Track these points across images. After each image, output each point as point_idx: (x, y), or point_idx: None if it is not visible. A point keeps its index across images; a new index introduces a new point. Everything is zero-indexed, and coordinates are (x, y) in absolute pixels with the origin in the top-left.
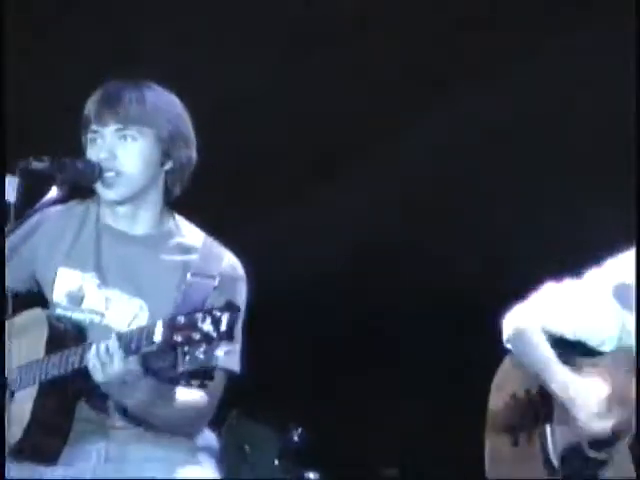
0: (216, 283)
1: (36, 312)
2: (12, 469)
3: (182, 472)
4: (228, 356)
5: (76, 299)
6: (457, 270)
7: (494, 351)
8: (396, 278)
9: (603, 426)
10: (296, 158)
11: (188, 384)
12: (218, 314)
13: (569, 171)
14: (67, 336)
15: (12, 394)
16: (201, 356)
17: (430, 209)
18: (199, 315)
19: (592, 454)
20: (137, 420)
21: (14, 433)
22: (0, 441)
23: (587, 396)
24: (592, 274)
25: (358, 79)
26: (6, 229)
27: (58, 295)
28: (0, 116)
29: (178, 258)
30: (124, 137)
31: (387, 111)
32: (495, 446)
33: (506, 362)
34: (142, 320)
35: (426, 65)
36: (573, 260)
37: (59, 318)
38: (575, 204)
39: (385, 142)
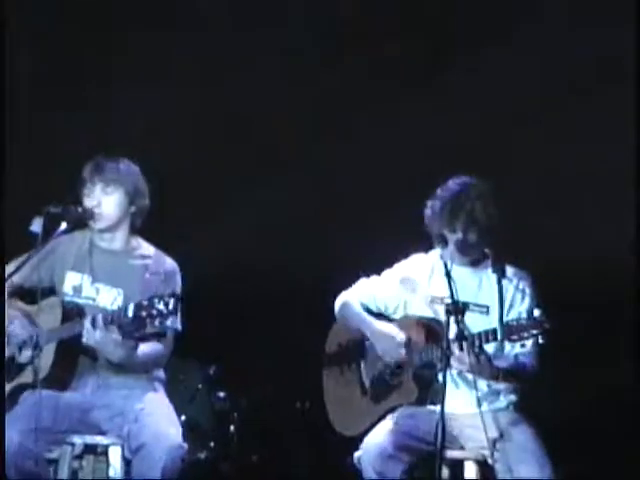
0: (163, 278)
1: (53, 299)
2: (41, 394)
3: (141, 395)
4: (175, 321)
5: (78, 290)
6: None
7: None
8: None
9: (395, 357)
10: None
11: (149, 340)
12: (167, 299)
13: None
14: (73, 312)
15: (41, 349)
16: (157, 324)
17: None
18: (156, 299)
19: (389, 379)
20: (116, 363)
21: (44, 371)
22: (0, 441)
23: (385, 338)
24: (388, 271)
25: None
26: (35, 249)
27: (67, 288)
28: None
29: (140, 262)
30: (106, 192)
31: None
32: (329, 375)
33: (334, 326)
34: (119, 301)
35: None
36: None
37: (68, 303)
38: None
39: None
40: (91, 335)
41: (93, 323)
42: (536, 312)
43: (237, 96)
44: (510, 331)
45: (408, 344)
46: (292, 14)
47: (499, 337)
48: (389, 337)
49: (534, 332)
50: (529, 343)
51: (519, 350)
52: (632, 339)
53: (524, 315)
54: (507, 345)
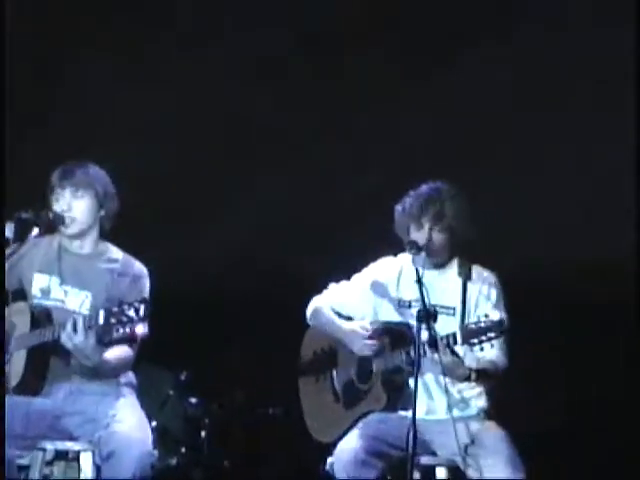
0: (130, 281)
1: (21, 304)
2: (12, 400)
3: (113, 401)
4: (144, 326)
5: (46, 292)
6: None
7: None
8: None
9: (367, 350)
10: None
11: (118, 345)
12: (137, 305)
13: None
14: (41, 317)
15: (11, 354)
16: (127, 330)
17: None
18: (125, 306)
19: (358, 385)
20: (87, 367)
21: (15, 378)
22: (0, 441)
23: (355, 335)
24: (357, 276)
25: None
26: (7, 254)
27: (35, 290)
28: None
29: (108, 266)
30: (76, 196)
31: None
32: (305, 383)
33: (308, 332)
34: (87, 304)
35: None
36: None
37: (35, 306)
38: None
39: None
40: (67, 341)
41: (74, 327)
42: (494, 314)
43: (237, 96)
44: (469, 334)
45: (375, 336)
46: (291, 13)
47: (459, 341)
48: (358, 334)
49: (491, 335)
50: (488, 346)
51: (483, 354)
52: (620, 343)
53: (483, 317)
54: (475, 348)
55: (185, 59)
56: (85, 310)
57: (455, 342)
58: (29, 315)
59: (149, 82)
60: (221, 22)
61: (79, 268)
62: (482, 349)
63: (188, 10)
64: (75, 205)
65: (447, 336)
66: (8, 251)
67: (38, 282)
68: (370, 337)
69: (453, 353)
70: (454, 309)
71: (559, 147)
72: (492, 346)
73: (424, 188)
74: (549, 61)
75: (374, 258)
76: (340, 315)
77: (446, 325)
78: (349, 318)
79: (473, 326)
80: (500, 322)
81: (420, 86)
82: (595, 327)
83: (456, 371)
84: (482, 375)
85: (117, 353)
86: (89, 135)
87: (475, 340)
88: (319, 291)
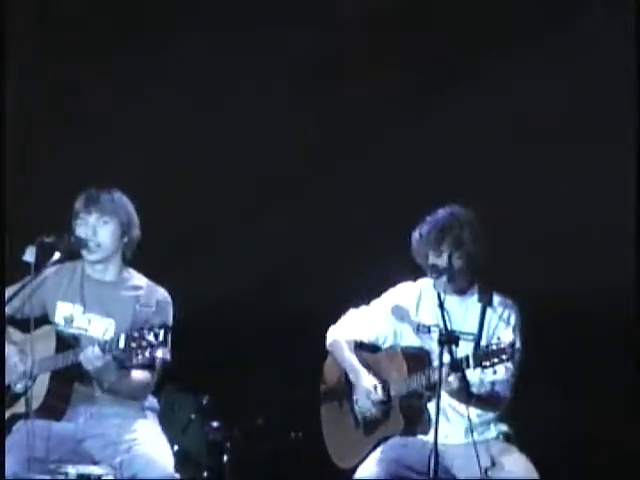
0: (155, 309)
1: (47, 327)
2: (34, 423)
3: (134, 425)
4: (165, 351)
5: (69, 320)
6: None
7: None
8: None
9: (373, 412)
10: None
11: (139, 369)
12: (157, 330)
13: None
14: (67, 341)
15: (35, 378)
16: (147, 355)
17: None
18: (145, 331)
19: (377, 410)
20: (109, 391)
21: (37, 401)
22: (0, 440)
23: (364, 385)
24: (377, 301)
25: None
26: (27, 279)
27: (58, 318)
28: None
29: (131, 294)
30: (101, 222)
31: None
32: (327, 409)
33: (328, 359)
34: (111, 332)
35: None
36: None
37: (61, 331)
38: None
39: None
40: (89, 365)
41: (95, 350)
42: (506, 338)
43: (240, 128)
44: (481, 357)
45: (385, 402)
46: (292, 41)
47: (471, 364)
48: (370, 395)
49: (503, 357)
50: (501, 369)
51: (492, 377)
52: (630, 370)
53: (496, 340)
54: (487, 371)
55: (188, 88)
56: (108, 338)
57: (468, 365)
58: (55, 339)
59: (150, 111)
60: (225, 48)
61: (102, 296)
62: (495, 372)
63: (190, 35)
64: (100, 231)
65: (460, 359)
66: (30, 275)
67: (61, 310)
68: (381, 402)
69: (463, 377)
70: (473, 335)
71: (558, 182)
72: (495, 372)
73: (441, 214)
74: (551, 90)
75: (390, 285)
76: (362, 345)
77: (464, 351)
78: (370, 346)
79: (485, 349)
80: (511, 344)
81: (428, 113)
82: (616, 355)
83: (459, 394)
84: (482, 402)
85: (136, 377)
86: (87, 167)
87: (487, 363)
88: (339, 316)
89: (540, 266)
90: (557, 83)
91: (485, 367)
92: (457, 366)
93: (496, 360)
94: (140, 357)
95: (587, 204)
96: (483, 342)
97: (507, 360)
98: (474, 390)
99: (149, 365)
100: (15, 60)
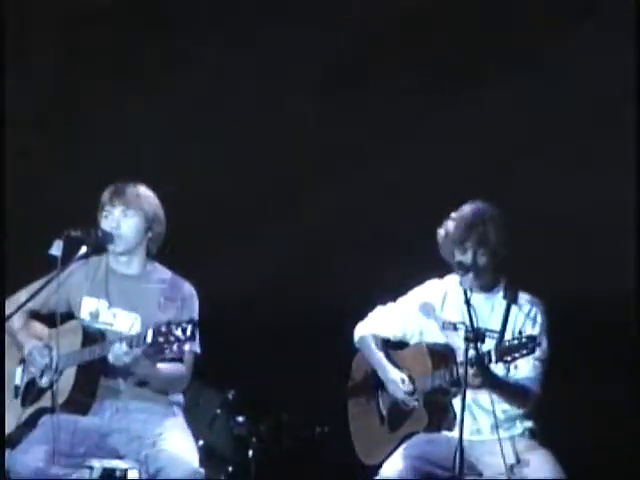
0: (180, 303)
1: (74, 322)
2: (60, 418)
3: (160, 419)
4: (193, 345)
5: (94, 316)
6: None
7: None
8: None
9: (401, 395)
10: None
11: (169, 363)
12: (185, 325)
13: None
14: (94, 336)
15: (61, 372)
16: (175, 349)
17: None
18: (173, 326)
19: (402, 406)
20: (140, 384)
21: (62, 396)
22: (0, 440)
23: (397, 388)
24: (404, 298)
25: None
26: (53, 273)
27: (84, 314)
28: None
29: (156, 287)
30: (125, 215)
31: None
32: (353, 405)
33: (357, 356)
34: (137, 326)
35: None
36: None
37: (87, 327)
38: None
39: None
40: (116, 360)
41: (123, 346)
42: (528, 332)
43: (255, 129)
44: (503, 352)
45: (413, 392)
46: (292, 42)
47: (493, 358)
48: (399, 387)
49: (524, 352)
50: (524, 365)
51: (514, 372)
52: None
53: (518, 335)
54: (510, 366)
55: (201, 96)
56: (135, 332)
57: (490, 360)
58: (81, 334)
59: (164, 113)
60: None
61: (127, 290)
62: (516, 367)
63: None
64: (124, 224)
65: (482, 354)
66: (56, 269)
67: (87, 306)
68: (410, 392)
69: (488, 373)
70: (498, 332)
71: (568, 183)
72: (516, 367)
73: (466, 210)
74: (556, 95)
75: (417, 282)
76: (388, 341)
77: (488, 347)
78: (396, 343)
79: (507, 343)
80: (533, 338)
81: (442, 113)
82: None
83: (484, 388)
84: (509, 397)
85: (168, 369)
86: (102, 165)
87: (508, 357)
88: (367, 312)
89: (540, 266)
90: (557, 83)
91: (507, 362)
92: (480, 361)
93: (517, 355)
94: (168, 351)
95: (587, 204)
96: (506, 338)
97: (527, 354)
98: (500, 385)
99: (179, 359)
100: (15, 60)
